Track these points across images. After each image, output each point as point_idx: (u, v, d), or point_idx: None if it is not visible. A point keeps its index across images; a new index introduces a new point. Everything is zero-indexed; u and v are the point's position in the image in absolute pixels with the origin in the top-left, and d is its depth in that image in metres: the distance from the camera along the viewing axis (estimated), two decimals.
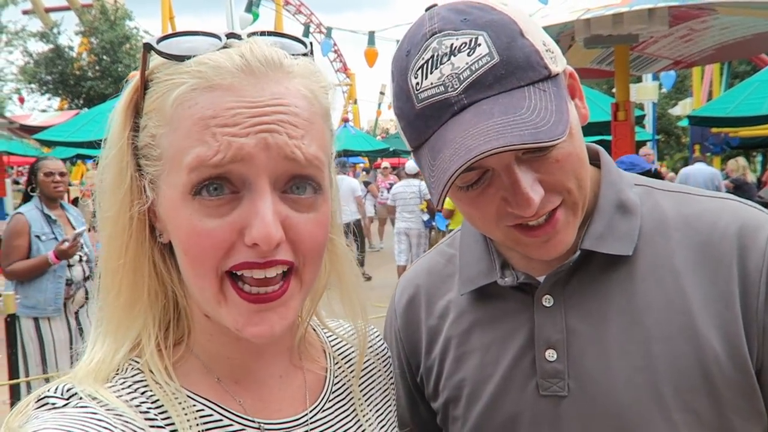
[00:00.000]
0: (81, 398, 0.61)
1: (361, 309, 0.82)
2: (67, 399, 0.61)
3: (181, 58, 0.62)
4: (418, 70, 0.75)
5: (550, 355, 0.83)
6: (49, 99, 16.39)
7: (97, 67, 15.39)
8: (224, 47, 0.63)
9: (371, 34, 15.31)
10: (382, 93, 34.11)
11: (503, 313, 0.89)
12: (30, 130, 11.28)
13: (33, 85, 15.74)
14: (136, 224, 0.65)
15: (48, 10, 21.47)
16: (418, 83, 0.75)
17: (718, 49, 6.43)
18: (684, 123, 14.28)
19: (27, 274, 3.71)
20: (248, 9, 13.53)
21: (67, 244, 3.64)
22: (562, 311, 0.84)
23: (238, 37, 0.65)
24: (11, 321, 3.69)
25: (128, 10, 16.75)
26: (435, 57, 0.74)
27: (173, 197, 0.62)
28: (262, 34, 0.67)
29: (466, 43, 0.73)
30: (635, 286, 0.82)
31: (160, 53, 0.63)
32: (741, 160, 10.16)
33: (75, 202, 12.89)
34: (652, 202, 0.87)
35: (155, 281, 0.67)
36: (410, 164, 9.17)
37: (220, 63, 0.61)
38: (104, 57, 15.33)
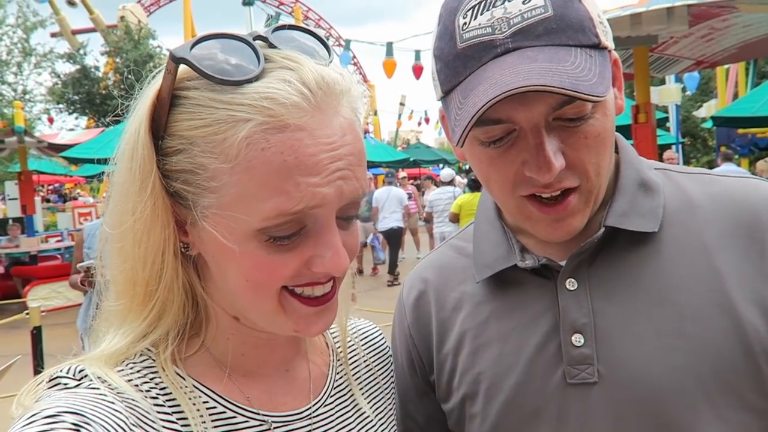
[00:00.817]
0: (92, 380, 0.62)
1: (345, 304, 0.82)
2: (79, 380, 0.62)
3: (231, 83, 0.60)
4: (468, 11, 0.74)
5: (577, 339, 0.79)
6: (76, 118, 16.79)
7: (122, 86, 15.70)
8: (266, 61, 0.62)
9: (389, 45, 15.40)
10: (402, 104, 34.22)
11: (523, 300, 0.86)
12: (57, 149, 11.55)
13: (61, 105, 16.14)
14: (171, 252, 0.66)
15: (75, 33, 22.05)
16: (465, 23, 0.74)
17: (741, 48, 6.31)
18: (708, 125, 14.02)
19: (73, 288, 3.85)
20: (267, 25, 13.73)
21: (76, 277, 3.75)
22: (587, 293, 0.80)
23: (263, 38, 0.66)
24: (37, 334, 3.75)
25: (152, 29, 17.13)
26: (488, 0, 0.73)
27: (234, 231, 0.62)
28: (284, 28, 0.68)
29: None
30: (663, 264, 0.79)
31: (206, 75, 0.60)
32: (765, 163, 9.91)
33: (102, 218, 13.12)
34: (674, 183, 0.85)
35: (184, 294, 0.69)
36: (446, 172, 10.06)
37: (291, 100, 0.59)
38: (129, 76, 15.64)
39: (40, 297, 9.33)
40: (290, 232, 0.62)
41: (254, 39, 0.64)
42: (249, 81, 0.60)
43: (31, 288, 9.55)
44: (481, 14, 0.72)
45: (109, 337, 0.69)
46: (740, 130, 11.46)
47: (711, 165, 16.49)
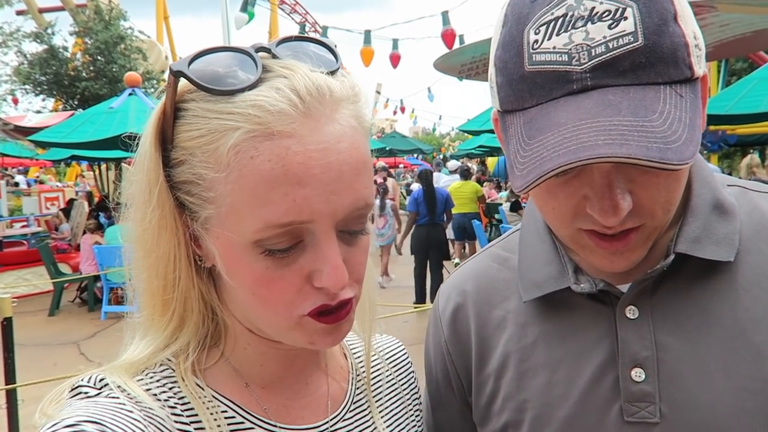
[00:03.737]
0: (112, 389, 0.63)
1: (371, 321, 0.81)
2: (99, 389, 0.63)
3: (225, 93, 0.60)
4: (541, 26, 0.63)
5: (637, 374, 0.72)
6: (43, 100, 16.28)
7: (91, 68, 15.29)
8: (263, 70, 0.61)
9: (367, 33, 15.25)
10: (378, 92, 34.15)
11: (575, 325, 0.78)
12: (25, 132, 11.19)
13: (27, 86, 15.63)
14: (184, 262, 0.66)
15: (42, 11, 21.35)
16: (537, 41, 0.63)
17: (716, 47, 6.40)
18: None
19: None
20: (243, 8, 13.45)
21: None
22: (649, 324, 0.73)
23: (266, 49, 0.63)
24: (7, 324, 3.64)
25: (123, 10, 16.65)
26: (568, 17, 0.61)
27: (233, 243, 0.61)
28: (290, 40, 0.65)
29: (610, 12, 0.60)
30: (738, 297, 0.71)
31: (199, 85, 0.60)
32: (748, 158, 10.13)
33: (70, 203, 12.82)
34: (751, 204, 0.77)
35: (202, 305, 0.70)
36: (452, 163, 10.35)
37: (278, 107, 0.58)
38: (99, 57, 15.23)
39: (6, 284, 9.08)
40: (286, 246, 0.60)
41: (258, 50, 0.64)
42: (242, 90, 0.60)
43: None
44: (557, 35, 0.61)
45: (132, 347, 0.70)
46: (711, 127, 11.68)
47: None
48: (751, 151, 15.34)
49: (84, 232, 9.14)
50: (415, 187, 10.73)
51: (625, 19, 0.60)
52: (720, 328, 0.71)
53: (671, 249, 0.73)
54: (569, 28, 0.61)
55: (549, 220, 0.75)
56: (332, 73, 0.64)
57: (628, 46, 0.60)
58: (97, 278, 8.38)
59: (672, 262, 0.72)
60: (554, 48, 0.62)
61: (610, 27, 0.60)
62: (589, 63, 0.60)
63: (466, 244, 10.63)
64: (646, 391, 0.72)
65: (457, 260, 10.65)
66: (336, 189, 0.59)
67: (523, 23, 0.65)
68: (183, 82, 0.62)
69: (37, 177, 25.79)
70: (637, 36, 0.60)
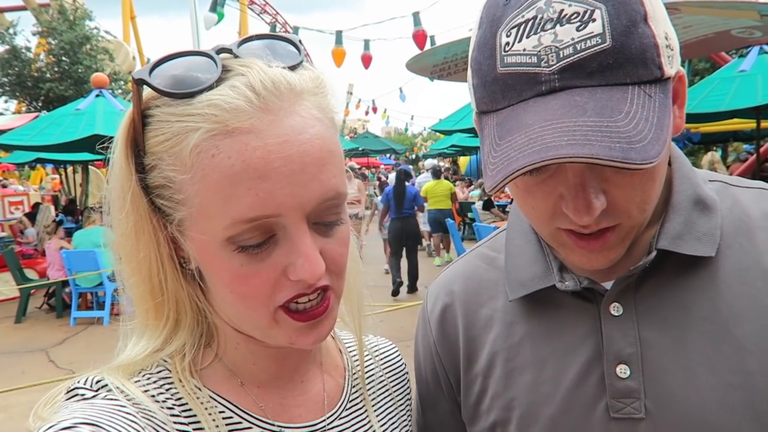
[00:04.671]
0: (110, 390, 0.62)
1: (361, 318, 0.81)
2: (96, 390, 0.63)
3: (184, 96, 0.60)
4: (513, 28, 0.63)
5: (622, 371, 0.72)
6: (6, 101, 15.86)
7: (56, 69, 14.94)
8: (223, 70, 0.61)
9: (339, 34, 15.22)
10: (350, 93, 34.04)
11: (561, 323, 0.78)
12: None
13: None
14: (168, 264, 0.67)
15: (2, 10, 20.76)
16: (508, 43, 0.63)
17: (681, 47, 6.57)
18: None
19: None
20: (213, 9, 13.30)
21: None
22: (633, 320, 0.73)
23: (228, 50, 0.64)
24: None
25: (88, 9, 16.29)
26: (538, 19, 0.62)
27: (207, 242, 0.62)
28: (251, 39, 0.65)
29: (578, 14, 0.61)
30: (720, 292, 0.71)
31: (160, 91, 0.61)
32: (710, 156, 10.44)
33: (35, 207, 12.49)
34: (731, 199, 0.77)
35: (194, 307, 0.70)
36: (428, 162, 10.58)
37: (234, 104, 0.59)
38: (63, 58, 14.89)
39: None
40: (258, 241, 0.61)
41: (219, 52, 0.64)
42: (201, 92, 0.60)
43: None
44: (527, 37, 0.62)
45: (128, 348, 0.70)
46: None
47: None
48: (714, 148, 15.76)
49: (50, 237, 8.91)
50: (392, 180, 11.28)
51: (594, 20, 0.60)
52: (702, 323, 0.71)
53: (653, 245, 0.73)
54: (538, 30, 0.62)
55: (530, 220, 0.76)
56: (295, 66, 0.64)
57: (595, 48, 0.60)
58: (65, 283, 8.19)
59: (654, 258, 0.73)
60: (524, 50, 0.62)
61: (578, 29, 0.61)
62: (558, 64, 0.61)
63: (442, 237, 11.19)
64: (631, 387, 0.72)
65: (430, 247, 11.76)
66: (300, 181, 0.59)
67: (496, 26, 0.66)
68: (148, 89, 0.63)
69: (0, 181, 25.09)
70: (605, 37, 0.60)
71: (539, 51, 0.62)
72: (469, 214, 12.56)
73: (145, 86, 0.62)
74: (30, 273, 8.92)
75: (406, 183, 9.40)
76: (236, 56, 0.64)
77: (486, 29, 0.67)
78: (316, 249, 0.62)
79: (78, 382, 0.64)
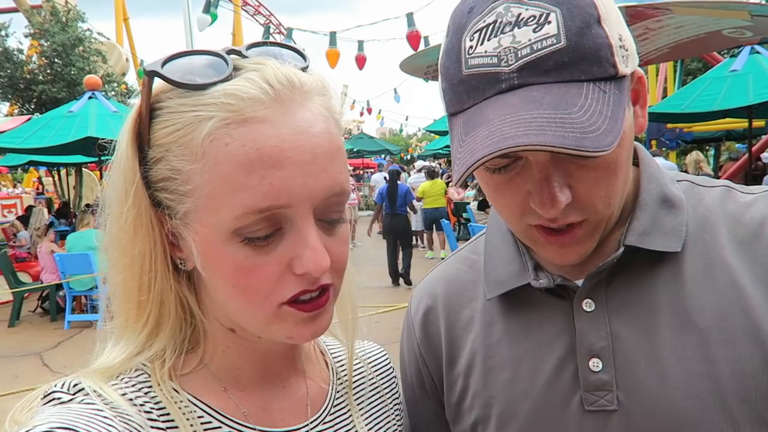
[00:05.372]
0: (87, 394, 0.62)
1: (353, 322, 0.81)
2: (73, 394, 0.62)
3: (198, 87, 0.61)
4: (475, 33, 0.68)
5: (595, 364, 0.75)
6: None
7: (48, 71, 14.87)
8: (234, 68, 0.62)
9: (332, 35, 15.22)
10: (344, 94, 34.04)
11: (537, 321, 0.81)
12: None
13: None
14: (160, 262, 0.66)
15: None
16: (471, 47, 0.68)
17: (672, 48, 6.60)
18: None
19: None
20: (206, 10, 13.27)
21: None
22: (605, 315, 0.76)
23: (237, 52, 0.65)
24: None
25: (81, 11, 16.21)
26: (497, 23, 0.67)
27: (212, 234, 0.62)
28: (259, 45, 0.67)
29: (534, 17, 0.65)
30: (686, 286, 0.75)
31: (173, 82, 0.62)
32: (694, 155, 10.52)
33: (28, 210, 12.43)
34: (697, 198, 0.81)
35: (180, 309, 0.69)
36: (418, 163, 11.27)
37: (250, 93, 0.60)
38: (56, 60, 14.82)
39: None
40: (265, 233, 0.61)
41: (228, 53, 0.65)
42: (214, 84, 0.61)
43: None
44: (488, 40, 0.66)
45: (105, 353, 0.69)
46: (669, 125, 12.01)
47: None
48: (707, 148, 15.85)
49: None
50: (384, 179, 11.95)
51: (549, 23, 0.65)
52: (669, 315, 0.74)
53: (621, 242, 0.76)
54: (498, 33, 0.66)
55: (503, 218, 0.79)
56: (303, 69, 0.67)
57: (551, 47, 0.65)
58: (59, 287, 8.15)
59: (623, 254, 0.76)
60: (486, 52, 0.67)
61: (534, 30, 0.65)
62: (516, 64, 0.65)
63: (435, 234, 11.65)
64: (603, 380, 0.75)
65: (423, 246, 12.22)
66: (311, 171, 0.60)
67: (461, 31, 0.70)
68: (157, 84, 0.63)
69: None
70: (560, 38, 0.64)
71: (499, 52, 0.66)
72: (464, 215, 12.59)
73: (155, 80, 0.62)
74: (23, 276, 8.86)
75: (398, 181, 10.17)
76: (245, 57, 0.66)
77: (452, 36, 0.71)
78: (321, 242, 0.62)
79: (55, 385, 0.63)
